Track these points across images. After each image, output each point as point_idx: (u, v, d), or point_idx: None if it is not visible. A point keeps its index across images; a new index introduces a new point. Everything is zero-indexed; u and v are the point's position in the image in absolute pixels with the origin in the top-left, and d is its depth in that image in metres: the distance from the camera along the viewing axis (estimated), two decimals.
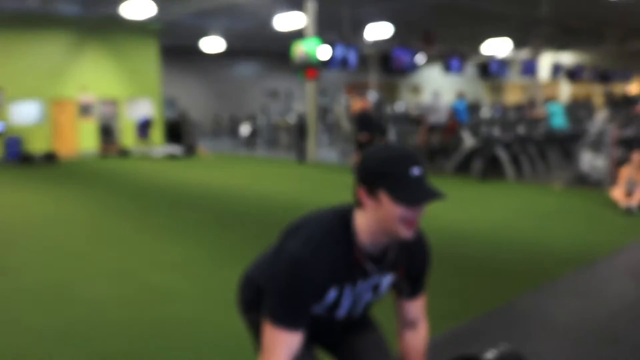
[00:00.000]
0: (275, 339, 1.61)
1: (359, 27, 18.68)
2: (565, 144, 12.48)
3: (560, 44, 24.77)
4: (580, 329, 3.71)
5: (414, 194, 1.52)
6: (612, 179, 9.13)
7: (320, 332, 1.92)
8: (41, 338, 3.66)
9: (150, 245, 6.15)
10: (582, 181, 9.87)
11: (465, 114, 12.52)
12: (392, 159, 1.55)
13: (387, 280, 1.77)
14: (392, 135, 12.70)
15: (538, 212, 7.79)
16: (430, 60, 27.04)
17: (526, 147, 11.25)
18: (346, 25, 17.39)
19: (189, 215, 7.84)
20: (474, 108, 15.41)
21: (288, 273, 1.58)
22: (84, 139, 17.97)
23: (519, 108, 17.07)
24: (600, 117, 10.70)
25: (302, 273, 1.57)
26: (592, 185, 9.63)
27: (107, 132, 18.54)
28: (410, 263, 1.79)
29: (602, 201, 8.30)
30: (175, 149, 17.37)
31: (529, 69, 20.96)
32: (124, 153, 17.76)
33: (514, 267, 5.19)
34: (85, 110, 18.00)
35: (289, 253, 1.60)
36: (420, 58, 17.21)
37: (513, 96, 33.99)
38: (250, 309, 1.93)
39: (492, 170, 10.79)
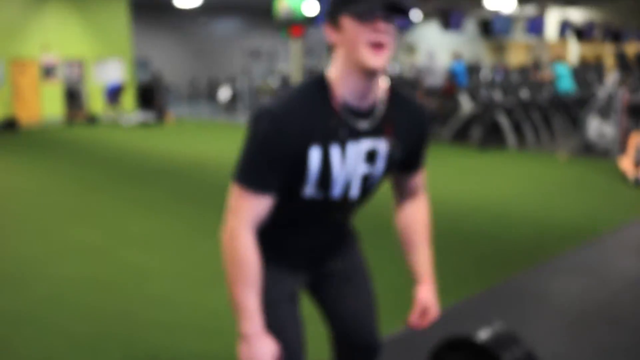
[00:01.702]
0: (240, 200, 1.63)
1: None
2: (571, 110, 12.55)
3: None
4: (579, 309, 3.80)
5: (372, 3, 1.51)
6: (621, 147, 9.23)
7: (315, 228, 1.86)
8: (1, 320, 3.70)
9: (120, 220, 6.17)
10: (589, 150, 9.97)
11: (464, 76, 12.54)
12: None
13: (382, 146, 1.71)
14: None
15: (541, 183, 7.88)
16: (427, 16, 26.90)
17: (529, 113, 11.31)
18: None
19: (163, 188, 7.86)
20: (473, 70, 15.42)
21: (259, 126, 1.58)
22: (47, 104, 17.84)
23: (523, 70, 17.09)
24: (611, 80, 10.75)
25: (274, 125, 1.56)
26: (599, 155, 9.72)
27: (73, 97, 18.40)
28: (403, 125, 1.75)
29: (609, 172, 8.39)
30: (147, 115, 17.29)
31: (535, 27, 20.91)
32: (92, 120, 17.65)
33: (513, 242, 5.28)
34: (48, 72, 17.84)
35: (262, 108, 1.61)
36: (415, 14, 17.13)
37: (516, 57, 33.97)
38: None
39: (493, 137, 10.86)
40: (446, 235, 5.39)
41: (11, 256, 5.03)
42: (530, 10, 24.76)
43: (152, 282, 4.38)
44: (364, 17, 1.50)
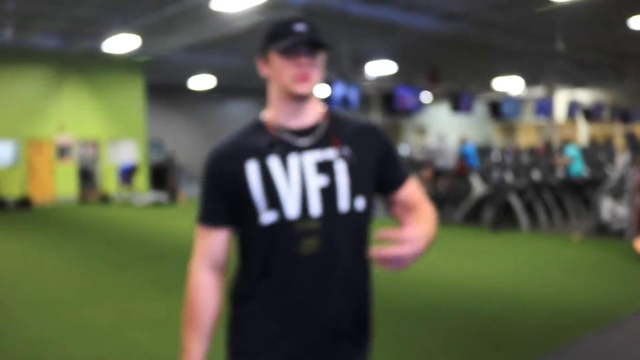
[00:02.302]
0: (198, 239, 1.78)
1: (360, 64, 18.95)
2: (583, 191, 12.55)
3: (576, 81, 25.14)
4: None
5: (291, 41, 1.64)
6: (636, 228, 9.16)
7: (298, 273, 1.67)
8: None
9: (131, 300, 6.13)
10: (603, 231, 9.90)
11: (475, 157, 12.63)
12: (279, 21, 1.70)
13: (333, 156, 1.70)
14: None
15: (555, 265, 7.80)
16: (437, 99, 27.37)
17: (541, 194, 11.32)
18: (346, 62, 17.69)
19: (174, 268, 7.82)
20: (484, 151, 15.55)
21: (203, 169, 1.76)
22: (61, 184, 18.05)
23: (533, 151, 17.22)
24: (622, 161, 10.79)
25: (212, 157, 1.73)
26: (613, 236, 9.65)
27: (86, 176, 18.63)
28: (353, 138, 1.74)
29: (624, 253, 8.31)
30: (160, 196, 17.42)
31: (544, 108, 21.19)
32: (104, 199, 17.81)
33: (528, 327, 5.18)
34: (63, 151, 18.13)
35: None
36: (425, 97, 17.42)
37: (526, 138, 34.28)
38: None
39: (505, 219, 10.83)
40: (459, 319, 5.30)
41: (22, 337, 4.98)
42: (538, 92, 25.16)
43: None
44: (288, 53, 1.65)
